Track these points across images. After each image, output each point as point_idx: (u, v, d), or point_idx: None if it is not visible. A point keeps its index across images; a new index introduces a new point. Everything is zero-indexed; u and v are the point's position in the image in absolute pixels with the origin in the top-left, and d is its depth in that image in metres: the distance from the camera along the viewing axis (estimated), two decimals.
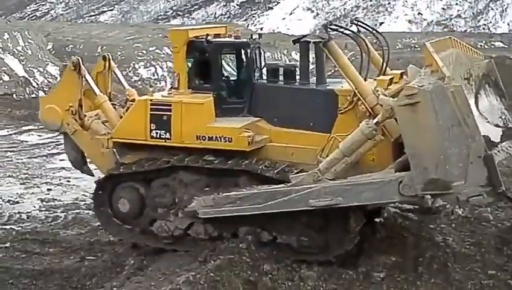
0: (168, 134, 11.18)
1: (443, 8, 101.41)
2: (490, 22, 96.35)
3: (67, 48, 51.90)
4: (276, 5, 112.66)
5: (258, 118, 11.34)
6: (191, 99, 11.34)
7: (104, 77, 13.06)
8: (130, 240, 11.95)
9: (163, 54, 51.56)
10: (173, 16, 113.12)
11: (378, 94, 10.12)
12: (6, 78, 38.16)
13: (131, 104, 12.12)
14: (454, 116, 8.56)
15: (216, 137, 10.88)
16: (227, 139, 10.81)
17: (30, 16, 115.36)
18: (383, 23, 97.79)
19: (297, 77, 11.54)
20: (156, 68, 46.57)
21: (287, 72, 11.61)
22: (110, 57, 13.34)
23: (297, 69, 11.63)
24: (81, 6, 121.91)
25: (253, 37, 12.20)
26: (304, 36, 11.21)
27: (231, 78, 12.35)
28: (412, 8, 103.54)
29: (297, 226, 10.53)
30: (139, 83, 42.10)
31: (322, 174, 9.72)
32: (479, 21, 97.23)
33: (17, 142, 23.69)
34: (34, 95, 34.77)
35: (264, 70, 12.00)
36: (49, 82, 38.28)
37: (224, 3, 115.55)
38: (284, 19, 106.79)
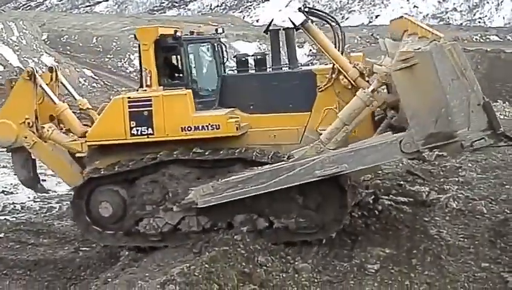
0: (150, 129, 11.06)
1: (439, 2, 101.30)
2: (486, 16, 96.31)
3: (62, 39, 51.77)
4: None
5: (231, 109, 11.48)
6: (171, 92, 11.34)
7: (52, 89, 12.32)
8: (116, 244, 11.56)
9: None
10: (169, 7, 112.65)
11: (359, 67, 10.87)
12: (0, 68, 38.05)
13: (85, 113, 12.35)
14: (453, 71, 9.28)
15: (203, 126, 10.96)
16: (214, 126, 10.91)
17: (24, 5, 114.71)
18: (379, 15, 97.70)
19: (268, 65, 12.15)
20: None
21: (258, 61, 12.14)
22: (57, 68, 12.96)
23: (267, 56, 12.27)
24: None
25: (219, 31, 12.48)
26: (271, 23, 11.90)
27: (200, 73, 12.34)
28: (408, 1, 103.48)
29: (295, 207, 10.80)
30: (134, 74, 41.99)
31: (324, 145, 10.19)
32: (474, 14, 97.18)
33: None
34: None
35: (233, 63, 12.32)
36: (44, 72, 38.14)
37: None
38: (280, 10, 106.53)
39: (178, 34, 11.68)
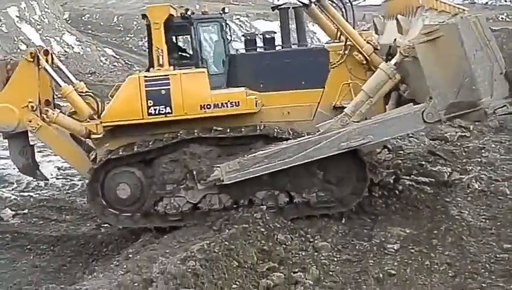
0: (168, 108, 11.06)
1: None
2: None
3: (83, 18, 51.82)
4: None
5: (240, 87, 11.53)
6: (190, 70, 11.39)
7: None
8: (134, 226, 11.50)
9: None
10: None
11: (373, 43, 11.37)
12: (23, 47, 38.22)
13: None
14: (477, 43, 9.65)
15: (222, 104, 11.06)
16: (234, 103, 11.06)
17: None
18: None
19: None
20: None
21: (267, 40, 12.33)
22: (53, 51, 12.54)
23: (276, 35, 12.41)
24: None
25: (226, 10, 12.48)
26: (283, 3, 12.12)
27: (209, 53, 12.36)
28: None
29: (315, 182, 11.02)
30: None
31: (349, 118, 10.46)
32: None
33: None
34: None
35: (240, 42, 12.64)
36: (66, 51, 38.37)
37: None
38: None
39: (188, 13, 11.72)
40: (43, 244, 12.14)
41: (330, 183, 11.14)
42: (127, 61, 39.63)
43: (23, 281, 10.86)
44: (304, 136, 10.79)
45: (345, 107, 10.86)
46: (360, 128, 10.38)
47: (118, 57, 40.02)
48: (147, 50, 12.56)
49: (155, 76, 11.19)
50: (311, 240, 10.54)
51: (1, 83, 11.81)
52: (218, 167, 10.79)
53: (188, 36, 11.89)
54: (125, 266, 9.91)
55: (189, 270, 8.51)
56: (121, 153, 11.15)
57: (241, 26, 50.43)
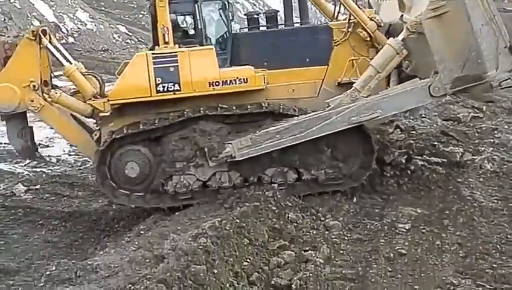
0: (177, 85, 10.99)
1: None
2: None
3: None
4: None
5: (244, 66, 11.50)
6: (198, 48, 11.37)
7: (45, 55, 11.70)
8: (146, 206, 11.46)
9: None
10: None
11: (377, 20, 11.55)
12: (36, 23, 38.21)
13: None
14: (483, 17, 9.94)
15: (231, 80, 11.07)
16: (242, 80, 11.07)
17: None
18: None
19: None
20: None
21: (270, 18, 12.47)
22: (50, 31, 11.92)
23: (277, 14, 12.58)
24: None
25: None
26: None
27: (213, 31, 12.25)
28: None
29: (323, 159, 11.17)
30: None
31: (358, 93, 10.65)
32: None
33: None
34: (63, 41, 34.82)
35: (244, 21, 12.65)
36: (79, 28, 38.35)
37: None
38: None
39: None
40: (55, 220, 12.22)
41: (337, 160, 11.25)
42: (139, 39, 39.58)
43: (35, 256, 10.94)
44: (309, 113, 10.89)
45: (350, 83, 11.05)
46: (370, 103, 10.59)
47: (130, 34, 39.99)
48: (151, 29, 12.47)
49: (163, 53, 11.10)
50: (322, 218, 10.55)
51: (1, 63, 11.69)
52: (230, 143, 10.81)
53: (192, 15, 11.81)
54: (136, 243, 9.95)
55: (201, 247, 8.54)
56: (125, 131, 11.07)
57: (254, 5, 50.24)
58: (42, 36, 11.31)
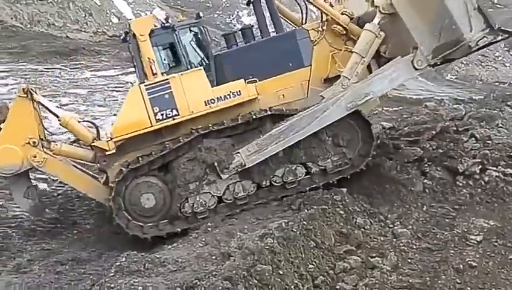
0: (174, 111, 11.18)
1: None
2: None
3: None
4: None
5: None
6: (186, 72, 11.61)
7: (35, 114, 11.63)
8: (160, 234, 11.29)
9: None
10: None
11: (348, 13, 12.05)
12: (115, 20, 39.22)
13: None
14: None
15: (225, 96, 11.35)
16: (236, 93, 11.40)
17: None
18: None
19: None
20: None
21: (245, 33, 12.83)
22: (32, 90, 11.68)
23: (252, 28, 12.99)
24: None
25: (200, 15, 12.88)
26: None
27: (194, 56, 12.39)
28: None
29: (328, 148, 11.61)
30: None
31: (348, 80, 11.19)
32: None
33: (123, 82, 24.38)
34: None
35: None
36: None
37: None
38: None
39: (169, 22, 11.96)
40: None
41: (340, 146, 11.66)
42: (213, 38, 39.98)
43: (105, 246, 11.22)
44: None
45: (335, 77, 11.57)
46: (361, 87, 11.18)
47: None
48: (134, 67, 12.67)
49: (155, 82, 11.31)
50: (391, 225, 10.44)
51: None
52: (238, 152, 11.11)
53: (173, 44, 12.04)
54: (203, 239, 10.06)
55: (267, 247, 8.57)
56: (141, 162, 11.15)
57: (229, 25, 50.01)
58: (33, 92, 11.40)
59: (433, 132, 14.22)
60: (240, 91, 11.45)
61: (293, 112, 11.44)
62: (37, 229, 11.92)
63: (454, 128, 14.30)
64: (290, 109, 11.62)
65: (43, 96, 12.65)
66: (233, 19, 45.99)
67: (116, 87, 23.48)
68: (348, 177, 11.69)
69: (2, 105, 11.90)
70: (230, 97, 11.40)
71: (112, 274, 8.58)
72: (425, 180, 12.05)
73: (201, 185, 11.30)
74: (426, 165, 12.55)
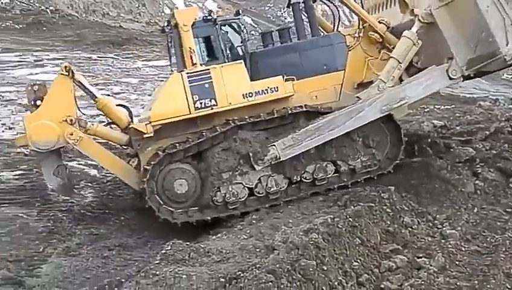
0: (213, 101, 11.35)
1: None
2: None
3: None
4: None
5: None
6: (228, 64, 11.85)
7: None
8: (191, 220, 11.43)
9: None
10: None
11: (385, 22, 12.33)
12: (167, 11, 39.66)
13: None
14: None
15: (263, 90, 11.58)
16: (273, 89, 11.62)
17: None
18: None
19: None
20: None
21: (282, 33, 13.14)
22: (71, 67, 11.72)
23: (290, 29, 13.31)
24: None
25: (240, 12, 13.28)
26: None
27: (231, 51, 12.60)
28: None
29: (359, 148, 11.82)
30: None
31: (384, 84, 11.38)
32: None
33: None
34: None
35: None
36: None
37: None
38: None
39: (211, 16, 12.20)
40: None
41: (370, 147, 11.85)
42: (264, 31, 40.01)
43: (151, 233, 11.33)
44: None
45: (367, 83, 11.84)
46: (397, 91, 11.41)
47: (255, 26, 40.45)
48: (174, 56, 12.87)
49: (197, 71, 11.47)
50: (439, 226, 10.27)
51: (31, 104, 11.72)
52: (274, 145, 11.22)
53: (212, 36, 12.29)
54: (248, 231, 10.10)
55: (312, 242, 8.50)
56: (178, 147, 11.28)
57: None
58: (75, 71, 11.50)
59: (487, 132, 14.03)
60: (277, 87, 11.67)
61: (327, 110, 11.69)
62: (86, 214, 12.10)
63: (509, 129, 14.06)
64: (324, 107, 11.85)
65: (96, 84, 12.73)
66: (284, 12, 45.88)
67: (166, 77, 23.61)
68: (375, 178, 11.86)
69: (41, 83, 12.00)
70: (267, 92, 11.62)
71: (157, 262, 8.67)
72: (477, 182, 11.87)
73: (234, 175, 11.42)
74: (478, 166, 12.39)
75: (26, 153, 13.67)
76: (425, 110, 19.68)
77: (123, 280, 8.92)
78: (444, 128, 15.13)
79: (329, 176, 11.78)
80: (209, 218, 11.39)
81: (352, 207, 10.21)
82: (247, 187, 11.51)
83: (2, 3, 39.34)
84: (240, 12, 13.38)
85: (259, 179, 11.54)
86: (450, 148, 13.24)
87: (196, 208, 11.46)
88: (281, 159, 11.29)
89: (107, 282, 9.09)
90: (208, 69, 11.48)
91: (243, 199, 11.48)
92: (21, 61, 26.04)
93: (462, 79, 11.70)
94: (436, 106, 20.20)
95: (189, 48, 11.68)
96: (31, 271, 9.78)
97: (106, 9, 42.47)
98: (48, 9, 39.72)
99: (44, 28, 36.65)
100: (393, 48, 11.82)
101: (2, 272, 9.63)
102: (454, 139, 13.91)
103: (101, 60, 28.02)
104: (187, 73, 11.44)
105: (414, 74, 11.72)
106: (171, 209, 11.35)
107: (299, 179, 11.68)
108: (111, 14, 41.80)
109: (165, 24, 12.85)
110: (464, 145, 13.34)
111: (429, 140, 13.75)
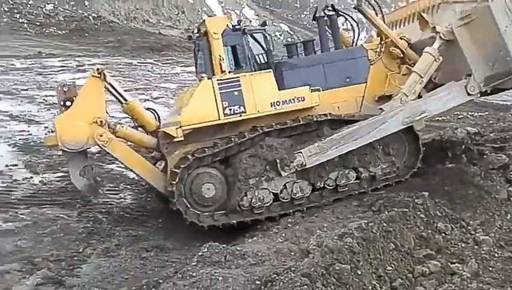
0: (242, 108, 11.41)
1: None
2: None
3: None
4: None
5: None
6: (257, 72, 11.90)
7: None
8: (217, 223, 11.46)
9: None
10: None
11: (406, 38, 12.61)
12: (205, 17, 39.85)
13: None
14: (507, 19, 11.11)
15: (290, 100, 11.70)
16: (300, 98, 11.75)
17: None
18: None
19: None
20: None
21: (306, 45, 13.21)
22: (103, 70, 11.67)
23: (314, 41, 13.37)
24: None
25: (266, 23, 13.27)
26: (315, 12, 13.18)
27: (257, 61, 12.60)
28: None
29: (382, 155, 12.00)
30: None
31: (406, 97, 11.64)
32: None
33: None
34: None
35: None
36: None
37: None
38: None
39: (240, 25, 12.32)
40: None
41: (390, 155, 12.06)
42: (299, 37, 40.00)
43: (188, 236, 11.39)
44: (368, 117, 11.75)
45: (387, 97, 12.11)
46: (418, 105, 11.66)
47: (292, 32, 40.61)
48: (195, 63, 13.24)
49: (227, 78, 11.54)
50: (473, 232, 10.13)
51: (61, 104, 11.64)
52: (300, 152, 11.29)
53: (240, 45, 12.35)
54: (283, 235, 10.10)
55: (346, 246, 8.46)
56: (206, 151, 11.33)
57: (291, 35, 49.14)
58: (106, 73, 11.44)
59: None
60: (304, 97, 11.81)
61: (351, 118, 11.88)
62: (125, 216, 12.23)
63: None
64: (347, 115, 12.03)
65: (136, 89, 12.86)
66: None
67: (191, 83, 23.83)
68: (393, 184, 12.05)
69: (71, 84, 12.02)
70: (294, 102, 11.76)
71: (194, 263, 8.72)
72: (510, 188, 11.74)
73: (261, 181, 11.48)
74: None
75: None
76: (459, 116, 19.50)
77: (160, 281, 8.96)
78: (478, 135, 14.95)
79: (351, 182, 11.91)
80: (234, 222, 11.43)
81: (386, 212, 10.14)
82: (273, 192, 11.57)
83: (46, 10, 40.05)
84: (267, 22, 13.44)
85: (285, 185, 11.60)
86: (484, 154, 13.14)
87: (222, 211, 11.50)
88: (307, 166, 11.36)
89: (144, 283, 9.14)
90: (238, 77, 11.55)
91: (268, 204, 11.52)
92: (64, 66, 26.51)
93: (479, 95, 11.93)
94: (470, 113, 19.99)
95: (219, 55, 11.81)
96: (71, 271, 9.90)
97: (146, 16, 42.94)
98: (90, 16, 40.37)
99: (86, 34, 37.29)
100: (413, 63, 12.05)
101: (44, 271, 9.78)
102: (488, 146, 13.77)
103: (140, 66, 28.35)
104: (217, 80, 11.48)
105: (431, 89, 11.97)
106: (197, 212, 11.40)
107: (322, 186, 11.77)
108: (151, 21, 42.26)
109: (195, 31, 12.92)
110: (498, 152, 13.23)
111: (463, 147, 13.61)
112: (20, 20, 38.37)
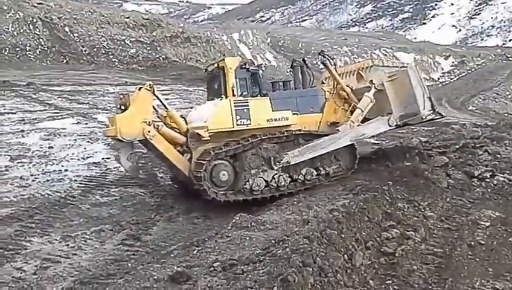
0: (248, 121, 11.47)
1: None
2: None
3: (279, 42, 52.80)
4: (429, 21, 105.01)
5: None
6: (260, 98, 11.90)
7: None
8: (230, 199, 11.31)
9: (343, 51, 50.51)
10: (352, 25, 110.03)
11: (351, 86, 12.95)
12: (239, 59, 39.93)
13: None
14: (417, 81, 12.25)
15: (279, 118, 11.86)
16: (285, 118, 11.93)
17: (258, 19, 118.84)
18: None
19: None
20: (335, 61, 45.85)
21: (286, 84, 13.07)
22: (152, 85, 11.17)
23: (290, 82, 13.17)
24: (291, 15, 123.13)
25: (262, 68, 13.08)
26: (292, 62, 13.27)
27: (254, 91, 12.19)
28: None
29: (334, 160, 12.37)
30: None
31: (353, 123, 12.19)
32: None
33: None
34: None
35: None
36: (266, 64, 39.41)
37: (390, 18, 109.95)
38: (433, 32, 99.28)
39: (246, 65, 12.23)
40: None
41: (339, 160, 12.43)
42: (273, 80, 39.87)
43: (225, 209, 11.23)
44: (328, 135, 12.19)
45: (335, 123, 12.50)
46: (359, 129, 12.25)
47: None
48: (208, 89, 13.00)
49: (240, 100, 11.51)
50: (423, 210, 10.04)
51: (118, 107, 11.29)
52: (287, 154, 11.63)
53: (245, 78, 12.07)
54: (291, 209, 10.12)
55: (335, 218, 8.45)
56: (222, 149, 11.20)
57: (385, 55, 48.48)
58: (155, 88, 11.25)
59: (457, 146, 13.72)
60: (287, 118, 11.96)
61: (316, 133, 12.30)
62: (183, 194, 12.28)
63: (473, 145, 13.69)
64: (313, 132, 12.38)
65: (190, 107, 12.83)
66: (318, 60, 45.64)
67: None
68: (342, 177, 12.33)
69: (126, 93, 11.70)
70: (281, 120, 11.88)
71: (229, 227, 8.80)
72: (449, 180, 11.57)
73: (258, 172, 11.52)
74: (450, 169, 12.11)
75: (144, 151, 13.61)
76: (414, 130, 19.29)
77: (206, 239, 9.03)
78: (427, 143, 14.79)
79: (314, 177, 12.08)
80: (240, 199, 11.38)
81: (362, 195, 10.10)
82: (265, 180, 11.60)
83: (130, 52, 40.48)
84: (263, 68, 13.40)
85: (273, 176, 11.64)
86: (431, 156, 13.01)
87: (232, 191, 11.43)
88: (291, 163, 11.65)
89: (195, 240, 9.20)
90: (247, 100, 11.58)
91: (261, 189, 11.56)
92: None
93: (395, 127, 12.56)
94: (422, 128, 19.76)
95: (232, 84, 11.72)
96: (145, 231, 10.02)
97: (198, 57, 43.18)
98: (160, 57, 40.72)
99: (158, 70, 37.58)
100: (355, 103, 12.53)
101: (127, 231, 9.95)
102: (434, 150, 13.61)
103: (194, 92, 28.48)
104: (234, 101, 11.45)
105: (363, 121, 12.46)
106: (215, 191, 11.29)
107: (296, 178, 11.87)
108: (201, 61, 42.46)
109: (215, 66, 12.47)
110: (441, 155, 13.09)
111: (416, 150, 13.50)
112: (113, 60, 38.85)
